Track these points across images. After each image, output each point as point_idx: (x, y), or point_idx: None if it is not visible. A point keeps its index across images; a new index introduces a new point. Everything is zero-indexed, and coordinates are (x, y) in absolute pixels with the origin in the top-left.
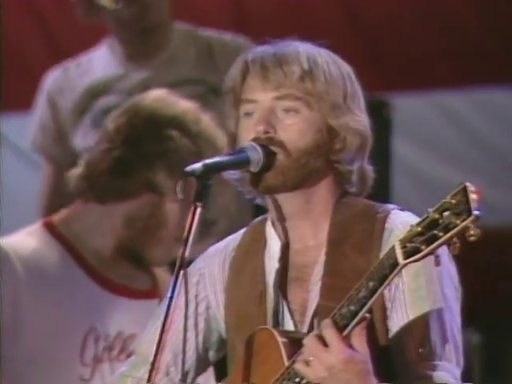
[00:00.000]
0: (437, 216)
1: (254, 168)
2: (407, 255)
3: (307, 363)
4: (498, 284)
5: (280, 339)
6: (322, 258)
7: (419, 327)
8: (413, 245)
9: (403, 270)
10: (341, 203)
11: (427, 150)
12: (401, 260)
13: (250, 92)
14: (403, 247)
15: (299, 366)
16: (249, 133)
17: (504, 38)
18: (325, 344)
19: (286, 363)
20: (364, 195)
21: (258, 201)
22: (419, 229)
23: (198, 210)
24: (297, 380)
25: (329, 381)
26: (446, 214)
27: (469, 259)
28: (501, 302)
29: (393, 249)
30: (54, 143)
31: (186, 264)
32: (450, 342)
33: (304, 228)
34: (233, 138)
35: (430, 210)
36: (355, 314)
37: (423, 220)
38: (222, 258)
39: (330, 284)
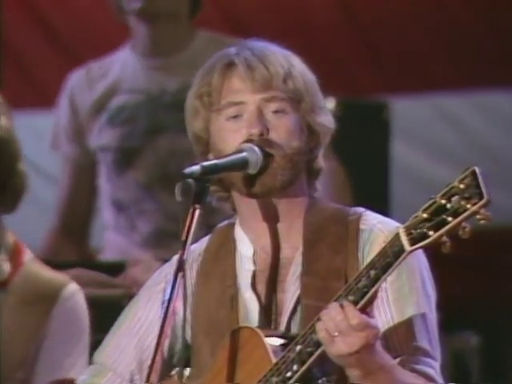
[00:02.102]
0: (444, 201)
1: (252, 170)
2: (414, 242)
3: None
4: (497, 285)
5: (264, 336)
6: (298, 258)
7: (403, 324)
8: (419, 231)
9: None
10: (312, 206)
11: (426, 151)
12: (407, 247)
13: (234, 94)
14: (409, 234)
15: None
16: (236, 135)
17: (503, 40)
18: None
19: (274, 360)
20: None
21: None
22: (425, 215)
23: (197, 213)
24: (288, 375)
25: (353, 358)
26: (455, 198)
27: (467, 260)
28: (500, 303)
29: (397, 236)
30: (71, 143)
31: (184, 266)
32: (431, 337)
33: (279, 230)
34: (202, 142)
35: (436, 195)
36: (355, 303)
37: (429, 206)
38: (189, 264)
39: (308, 283)
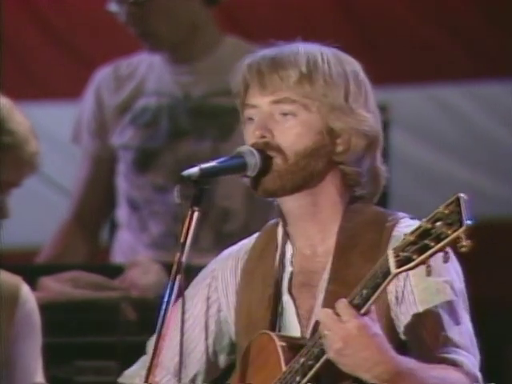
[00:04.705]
0: (429, 226)
1: (251, 172)
2: (400, 264)
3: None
4: (497, 283)
5: (279, 343)
6: (330, 264)
7: (431, 319)
8: (405, 254)
9: (410, 272)
10: (351, 210)
11: (425, 142)
12: (393, 269)
13: (251, 97)
14: (396, 256)
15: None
16: (250, 137)
17: (502, 31)
18: (338, 315)
19: (284, 368)
20: (377, 196)
21: (275, 202)
22: (412, 238)
23: (195, 215)
24: None
25: (347, 351)
26: (439, 223)
27: (466, 254)
28: (499, 302)
29: (386, 257)
30: (93, 137)
31: (182, 269)
32: (464, 333)
33: (312, 232)
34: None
35: (424, 219)
36: None
37: (416, 229)
38: (235, 262)
39: (334, 291)
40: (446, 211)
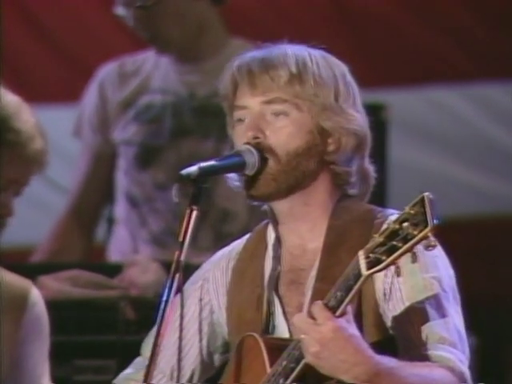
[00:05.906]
0: (397, 227)
1: (249, 171)
2: (370, 266)
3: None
4: (497, 283)
5: (263, 346)
6: (318, 262)
7: (417, 316)
8: (375, 255)
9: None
10: (340, 207)
11: (423, 144)
12: (364, 271)
13: (241, 98)
14: (366, 257)
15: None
16: (241, 138)
17: (498, 33)
18: (313, 319)
19: (268, 370)
20: (367, 196)
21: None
22: (381, 239)
23: (194, 214)
24: None
25: (324, 354)
26: (405, 224)
27: (466, 254)
28: (499, 302)
29: (357, 259)
30: (94, 132)
31: (181, 268)
32: (452, 329)
33: (302, 231)
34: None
35: (392, 219)
36: None
37: (385, 230)
38: (226, 262)
39: (321, 289)
40: (412, 211)
